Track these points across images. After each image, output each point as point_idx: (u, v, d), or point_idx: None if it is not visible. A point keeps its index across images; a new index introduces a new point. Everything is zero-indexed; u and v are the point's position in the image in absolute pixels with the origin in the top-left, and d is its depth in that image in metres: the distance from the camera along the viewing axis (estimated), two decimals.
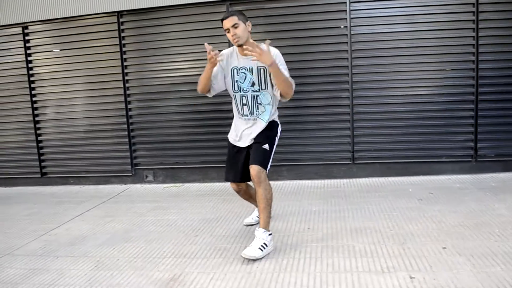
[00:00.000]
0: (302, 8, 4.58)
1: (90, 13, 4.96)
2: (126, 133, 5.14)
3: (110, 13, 4.95)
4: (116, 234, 3.41)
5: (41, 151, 5.42)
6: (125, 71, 5.04)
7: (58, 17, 5.05)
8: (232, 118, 3.04)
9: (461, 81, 4.47)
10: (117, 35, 4.97)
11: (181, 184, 5.05)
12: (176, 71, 4.92)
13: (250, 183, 3.01)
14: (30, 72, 5.28)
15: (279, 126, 2.96)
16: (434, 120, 4.52)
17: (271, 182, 2.86)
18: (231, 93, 2.90)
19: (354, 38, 4.52)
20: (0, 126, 5.49)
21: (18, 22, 5.18)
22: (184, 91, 4.93)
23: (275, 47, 2.80)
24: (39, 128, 5.39)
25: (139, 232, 3.40)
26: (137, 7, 4.83)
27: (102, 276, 2.62)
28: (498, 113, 4.44)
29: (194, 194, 4.57)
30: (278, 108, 2.99)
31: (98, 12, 4.93)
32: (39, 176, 5.46)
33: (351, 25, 4.49)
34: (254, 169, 2.71)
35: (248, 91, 2.82)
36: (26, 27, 5.23)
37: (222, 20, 2.73)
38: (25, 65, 5.26)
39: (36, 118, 5.37)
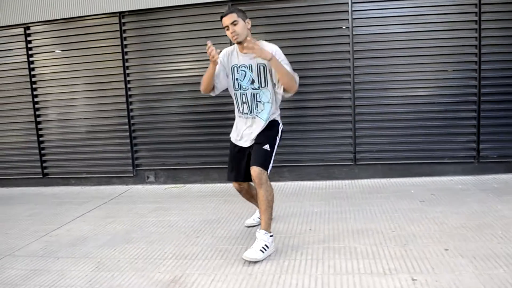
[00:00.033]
0: (304, 8, 4.57)
1: (92, 13, 4.96)
2: (128, 133, 5.14)
3: (112, 14, 4.95)
4: (117, 235, 3.40)
5: (42, 151, 5.43)
6: (127, 71, 5.04)
7: (59, 17, 5.06)
8: (233, 119, 3.04)
9: (463, 82, 4.45)
10: (119, 36, 4.98)
11: (182, 185, 5.04)
12: (178, 71, 4.92)
13: (252, 183, 3.01)
14: (32, 72, 5.30)
15: (280, 125, 2.95)
16: (436, 121, 4.50)
17: (272, 183, 2.85)
18: (232, 91, 2.90)
19: (356, 38, 4.51)
20: (2, 126, 5.50)
21: (20, 23, 5.19)
22: (185, 92, 4.93)
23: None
24: (40, 129, 5.40)
25: (140, 233, 3.40)
26: (138, 8, 4.84)
27: (103, 277, 2.61)
28: (501, 114, 4.41)
29: (196, 195, 4.56)
30: (280, 108, 2.98)
31: (100, 12, 4.94)
32: (41, 176, 5.46)
33: (353, 25, 4.48)
34: (255, 170, 2.70)
35: (248, 88, 2.82)
36: (28, 28, 5.24)
37: (221, 17, 2.74)
38: (27, 66, 5.28)
39: (38, 119, 5.38)
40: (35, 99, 5.33)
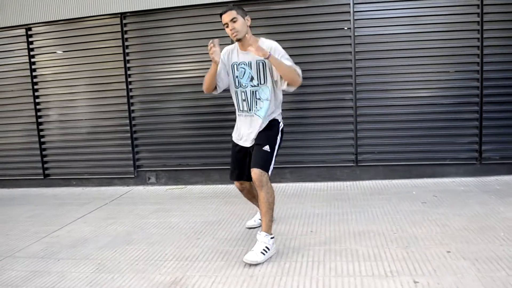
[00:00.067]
0: (306, 9, 4.56)
1: (93, 14, 4.96)
2: (129, 134, 5.13)
3: (113, 15, 4.96)
4: (118, 236, 3.40)
5: (43, 152, 5.43)
6: (128, 72, 5.04)
7: (61, 18, 5.06)
8: (234, 120, 3.03)
9: (465, 83, 4.43)
10: (120, 37, 4.98)
11: (183, 186, 5.04)
12: (179, 72, 4.92)
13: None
14: (33, 73, 5.30)
15: (281, 124, 2.93)
16: (438, 122, 4.48)
17: (274, 185, 2.84)
18: (233, 89, 2.90)
19: (357, 39, 4.49)
20: (3, 127, 5.51)
21: (21, 24, 5.19)
22: (187, 93, 4.92)
23: None
24: (42, 130, 5.41)
25: (141, 235, 3.39)
26: (140, 9, 4.84)
27: (103, 279, 2.60)
28: (503, 115, 4.40)
29: (197, 196, 4.55)
30: (282, 109, 2.97)
31: (101, 14, 4.94)
32: (42, 177, 5.47)
33: (355, 26, 4.47)
34: (255, 172, 2.69)
35: (247, 86, 2.82)
36: (30, 29, 5.24)
37: (220, 14, 2.75)
38: (28, 67, 5.28)
39: (39, 120, 5.39)
40: (37, 100, 5.34)
